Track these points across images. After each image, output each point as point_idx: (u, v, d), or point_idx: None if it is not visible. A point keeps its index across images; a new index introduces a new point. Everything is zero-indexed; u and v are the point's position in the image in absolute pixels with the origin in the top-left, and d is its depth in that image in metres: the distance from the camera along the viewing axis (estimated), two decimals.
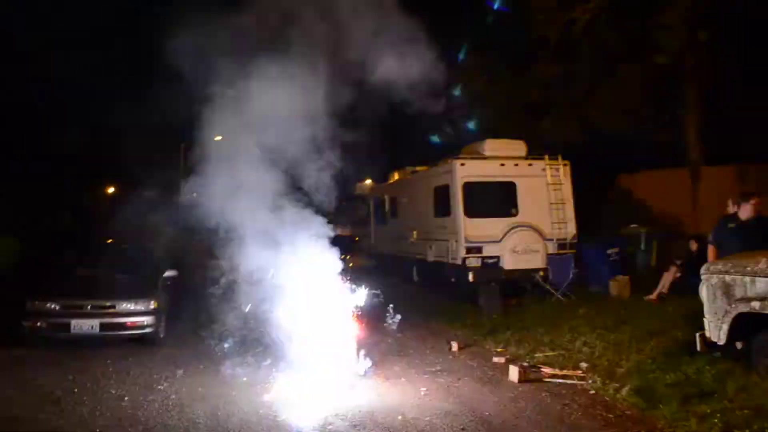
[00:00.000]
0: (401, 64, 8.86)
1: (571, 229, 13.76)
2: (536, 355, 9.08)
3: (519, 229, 13.52)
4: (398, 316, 9.91)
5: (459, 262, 13.40)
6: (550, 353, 9.06)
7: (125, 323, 9.88)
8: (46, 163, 25.69)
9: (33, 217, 21.47)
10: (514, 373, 7.97)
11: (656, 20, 14.78)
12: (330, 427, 6.26)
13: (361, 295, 8.54)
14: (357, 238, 21.87)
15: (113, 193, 36.01)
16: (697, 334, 7.42)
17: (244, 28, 8.55)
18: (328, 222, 8.39)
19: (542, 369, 8.24)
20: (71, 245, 14.50)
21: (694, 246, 12.38)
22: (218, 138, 9.98)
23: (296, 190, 8.54)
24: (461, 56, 20.33)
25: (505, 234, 13.41)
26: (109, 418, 6.60)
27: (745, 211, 8.49)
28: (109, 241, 14.01)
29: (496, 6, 20.89)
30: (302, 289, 8.15)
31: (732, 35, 15.70)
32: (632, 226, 15.61)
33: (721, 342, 7.09)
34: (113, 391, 7.56)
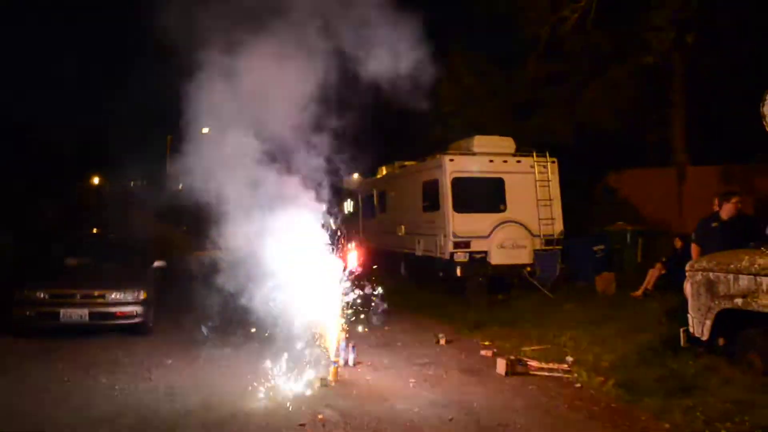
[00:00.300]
0: (390, 59, 8.91)
1: (558, 226, 13.91)
2: (523, 348, 9.19)
3: (507, 224, 13.63)
4: (384, 305, 9.93)
5: (447, 256, 13.50)
6: (537, 347, 9.19)
7: (114, 313, 9.91)
8: (32, 154, 25.56)
9: (20, 208, 21.34)
10: (501, 366, 8.07)
11: (645, 21, 14.94)
12: (320, 416, 6.33)
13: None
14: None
15: (99, 183, 35.86)
16: (681, 330, 7.56)
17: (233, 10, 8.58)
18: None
19: (529, 362, 8.35)
20: (60, 235, 14.48)
21: (678, 244, 12.57)
22: (205, 130, 10.01)
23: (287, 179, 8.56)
24: None
25: (493, 229, 13.52)
26: (101, 406, 6.61)
27: (727, 211, 8.64)
28: (96, 231, 14.03)
29: None
30: (293, 278, 8.21)
31: (719, 37, 15.90)
32: (618, 223, 15.77)
33: (705, 338, 7.24)
34: (104, 380, 7.59)
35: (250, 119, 8.49)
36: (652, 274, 12.36)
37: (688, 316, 7.49)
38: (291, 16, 8.53)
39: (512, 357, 8.55)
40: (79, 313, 9.68)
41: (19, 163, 23.50)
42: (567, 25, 15.62)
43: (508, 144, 14.60)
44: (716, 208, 8.80)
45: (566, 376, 7.83)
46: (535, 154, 14.14)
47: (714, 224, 8.67)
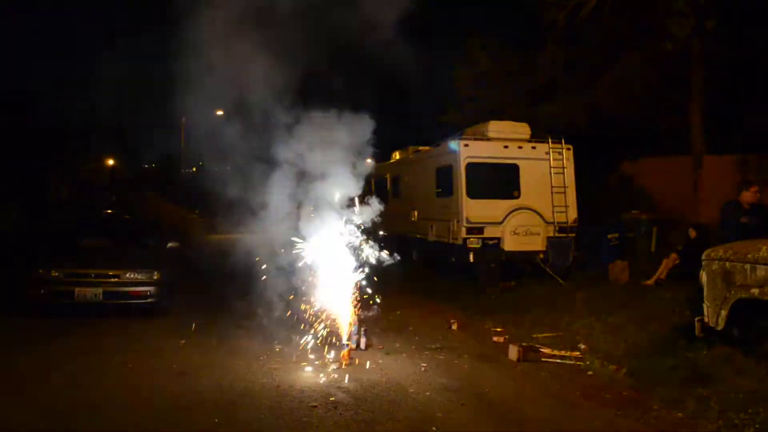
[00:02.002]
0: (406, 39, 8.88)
1: (572, 213, 13.81)
2: (535, 335, 9.17)
3: (520, 211, 13.55)
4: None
5: (460, 242, 13.44)
6: (549, 334, 9.16)
7: (128, 293, 9.96)
8: (45, 134, 25.60)
9: (34, 188, 21.48)
10: (513, 352, 8.06)
11: (665, 6, 14.72)
12: (332, 398, 6.35)
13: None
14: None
15: (114, 164, 36.07)
16: (696, 319, 7.50)
17: None
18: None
19: (541, 349, 8.34)
20: (74, 215, 14.57)
21: (693, 234, 12.45)
22: (220, 112, 10.02)
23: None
24: None
25: (507, 216, 13.45)
26: (114, 384, 6.68)
27: (746, 199, 8.65)
28: (110, 211, 14.12)
29: None
30: (305, 261, 8.24)
31: (739, 24, 15.68)
32: (633, 212, 15.64)
33: (720, 327, 7.18)
34: (117, 359, 7.64)
35: (261, 100, 8.51)
36: (666, 264, 12.25)
37: (704, 305, 7.43)
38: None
39: (524, 343, 8.53)
40: (93, 293, 9.73)
41: (26, 135, 23.44)
42: (585, 10, 15.42)
43: (523, 130, 14.50)
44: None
45: (578, 363, 7.81)
46: (550, 140, 14.02)
47: (735, 212, 8.69)
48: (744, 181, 8.98)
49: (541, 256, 13.45)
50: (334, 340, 8.23)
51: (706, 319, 7.39)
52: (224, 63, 8.50)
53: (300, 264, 8.14)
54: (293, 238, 8.15)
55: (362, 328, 8.39)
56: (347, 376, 7.15)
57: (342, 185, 8.21)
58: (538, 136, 14.39)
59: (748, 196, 8.68)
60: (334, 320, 8.34)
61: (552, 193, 13.70)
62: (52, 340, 8.45)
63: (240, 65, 8.47)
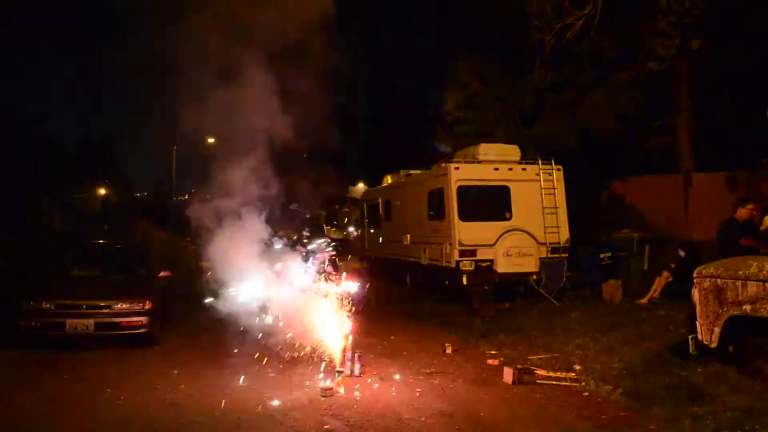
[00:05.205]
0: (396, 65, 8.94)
1: (563, 234, 13.84)
2: (530, 357, 9.13)
3: (512, 232, 13.58)
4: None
5: (453, 265, 13.45)
6: (544, 356, 9.12)
7: (120, 323, 9.86)
8: (36, 163, 25.60)
9: (25, 217, 21.40)
10: (508, 374, 8.01)
11: (650, 27, 14.91)
12: (326, 426, 6.29)
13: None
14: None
15: (106, 194, 36.05)
16: (690, 337, 7.51)
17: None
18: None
19: (536, 371, 8.29)
20: (65, 245, 14.49)
21: (682, 253, 12.50)
22: (211, 140, 10.06)
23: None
24: None
25: (499, 237, 13.48)
26: (106, 417, 6.60)
27: (742, 215, 8.75)
28: (102, 241, 14.07)
29: None
30: (296, 289, 8.22)
31: (724, 43, 15.89)
32: (624, 230, 15.69)
33: (713, 345, 7.18)
34: (109, 390, 7.55)
35: (254, 129, 8.55)
36: (659, 282, 12.27)
37: (697, 323, 7.43)
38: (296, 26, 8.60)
39: (519, 366, 8.48)
40: (84, 324, 9.64)
41: (20, 160, 23.37)
42: (572, 32, 15.59)
43: (513, 152, 14.60)
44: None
45: (574, 384, 7.77)
46: (540, 161, 14.10)
47: (736, 228, 8.77)
48: (740, 199, 9.05)
49: (534, 277, 13.45)
50: (327, 367, 8.18)
51: (699, 337, 7.39)
52: (221, 97, 8.56)
53: (289, 291, 8.12)
54: (282, 266, 8.14)
55: (356, 354, 8.33)
56: (341, 403, 7.10)
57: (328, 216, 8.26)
58: (527, 157, 14.49)
59: (744, 213, 8.77)
60: (327, 347, 8.30)
61: (543, 213, 13.74)
62: (44, 372, 8.36)
63: (237, 103, 8.54)
